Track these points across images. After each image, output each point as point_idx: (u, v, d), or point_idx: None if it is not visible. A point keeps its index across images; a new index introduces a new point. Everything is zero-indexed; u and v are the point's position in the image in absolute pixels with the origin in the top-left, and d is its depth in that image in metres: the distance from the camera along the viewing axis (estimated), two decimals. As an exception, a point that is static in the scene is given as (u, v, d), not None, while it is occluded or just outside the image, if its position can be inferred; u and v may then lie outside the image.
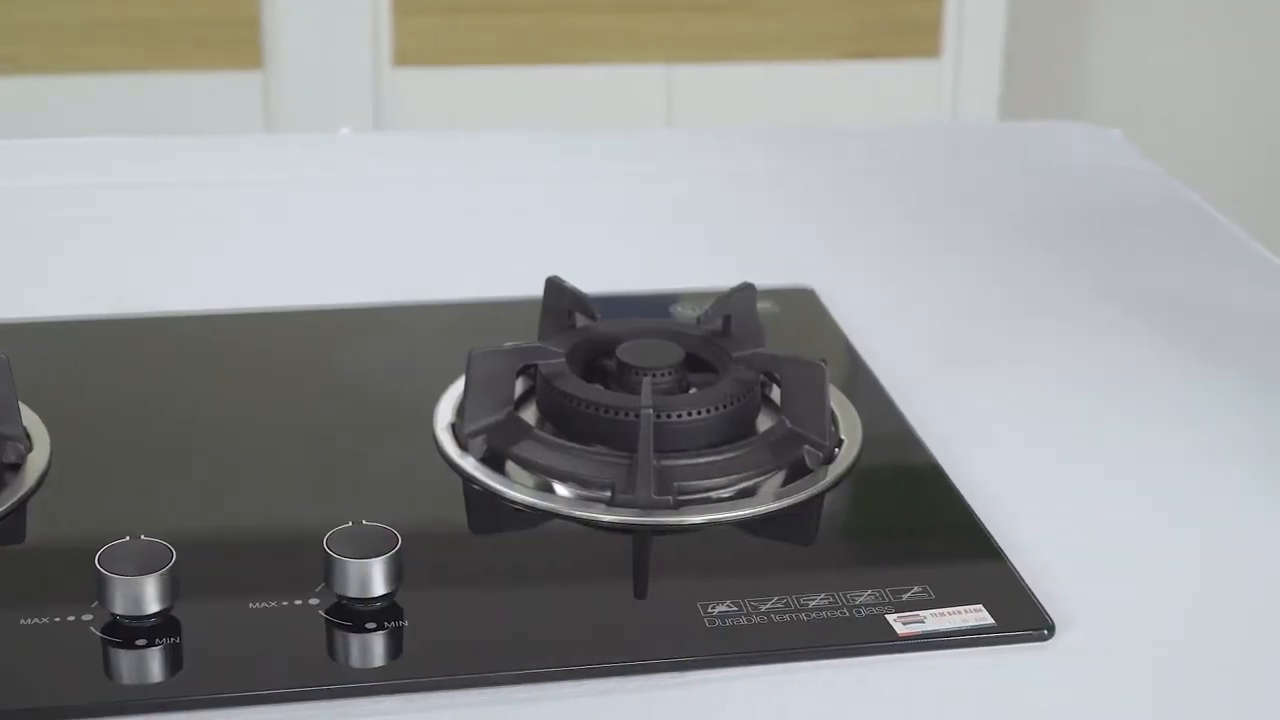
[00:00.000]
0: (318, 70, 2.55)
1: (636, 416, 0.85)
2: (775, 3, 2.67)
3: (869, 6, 2.69)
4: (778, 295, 1.09)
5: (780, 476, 0.88)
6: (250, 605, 0.76)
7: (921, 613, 0.77)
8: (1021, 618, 0.77)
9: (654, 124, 2.65)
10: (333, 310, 1.08)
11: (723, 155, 1.43)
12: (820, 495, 0.87)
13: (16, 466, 0.86)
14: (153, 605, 0.73)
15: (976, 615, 0.77)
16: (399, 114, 2.60)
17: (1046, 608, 0.77)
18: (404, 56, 2.57)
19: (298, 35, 2.53)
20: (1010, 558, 0.82)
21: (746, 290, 0.98)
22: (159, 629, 0.73)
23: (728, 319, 0.97)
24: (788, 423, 0.90)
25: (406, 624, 0.75)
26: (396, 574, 0.75)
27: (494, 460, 0.88)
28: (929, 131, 1.78)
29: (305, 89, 2.55)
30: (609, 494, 0.85)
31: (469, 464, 0.88)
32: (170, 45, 2.50)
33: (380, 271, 1.16)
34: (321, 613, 0.75)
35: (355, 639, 0.75)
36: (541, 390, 0.92)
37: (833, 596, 0.78)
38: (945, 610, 0.77)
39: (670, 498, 0.85)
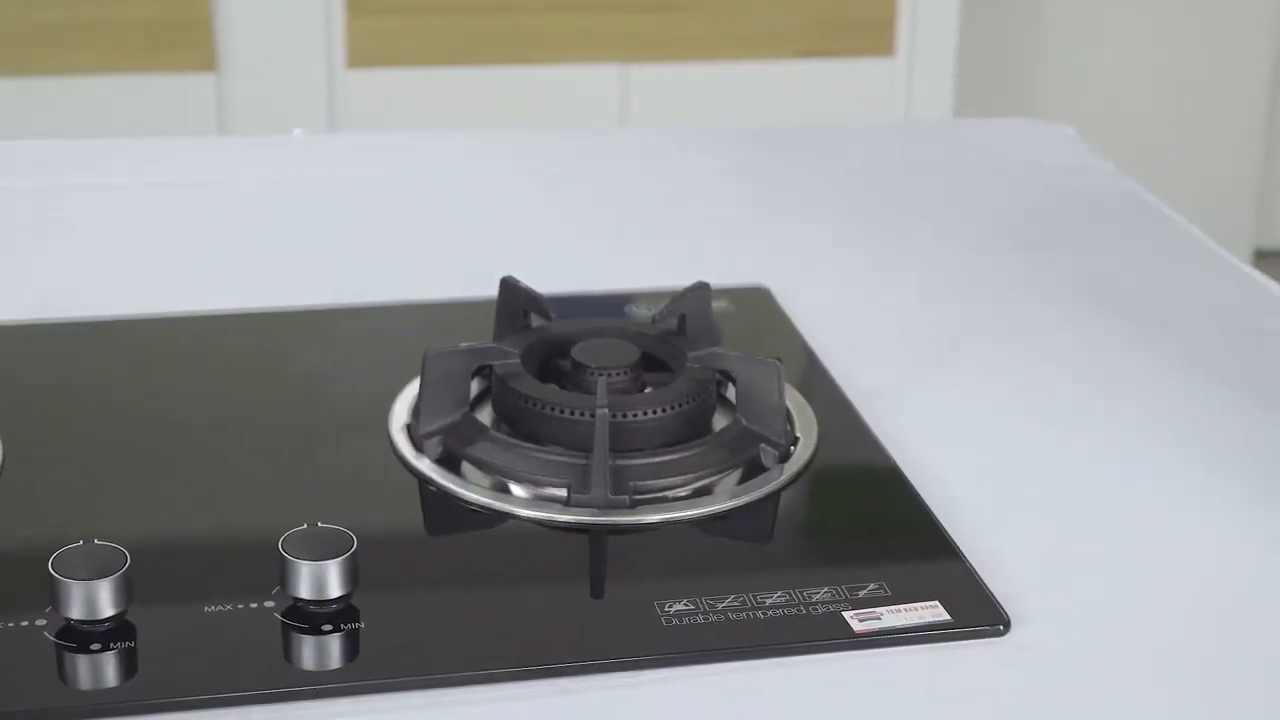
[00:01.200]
0: (272, 72, 2.55)
1: (592, 416, 0.85)
2: (729, 2, 2.67)
3: (823, 5, 2.70)
4: (733, 294, 1.09)
5: (736, 475, 0.88)
6: (205, 608, 0.75)
7: (878, 609, 0.77)
8: (977, 614, 0.77)
9: (609, 124, 2.65)
10: (287, 312, 1.08)
11: (677, 155, 1.43)
12: (776, 493, 0.87)
13: (-32, 471, 0.86)
14: (107, 609, 0.72)
15: (933, 612, 0.77)
16: (353, 116, 2.59)
17: (1002, 604, 0.78)
18: (358, 58, 2.56)
19: (251, 37, 2.53)
20: (966, 555, 0.82)
21: (701, 289, 0.98)
22: (113, 633, 0.73)
23: (683, 318, 0.97)
24: (743, 421, 0.90)
25: (363, 626, 0.75)
26: (352, 576, 0.75)
27: (449, 461, 0.88)
28: (883, 130, 1.79)
29: (259, 91, 2.55)
30: (565, 494, 0.85)
31: (424, 465, 0.88)
32: (124, 48, 2.49)
33: (334, 273, 1.15)
34: (277, 615, 0.75)
35: (311, 641, 0.74)
36: (497, 391, 0.92)
37: (789, 594, 0.78)
38: (902, 607, 0.77)
39: (626, 497, 0.85)
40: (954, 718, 0.72)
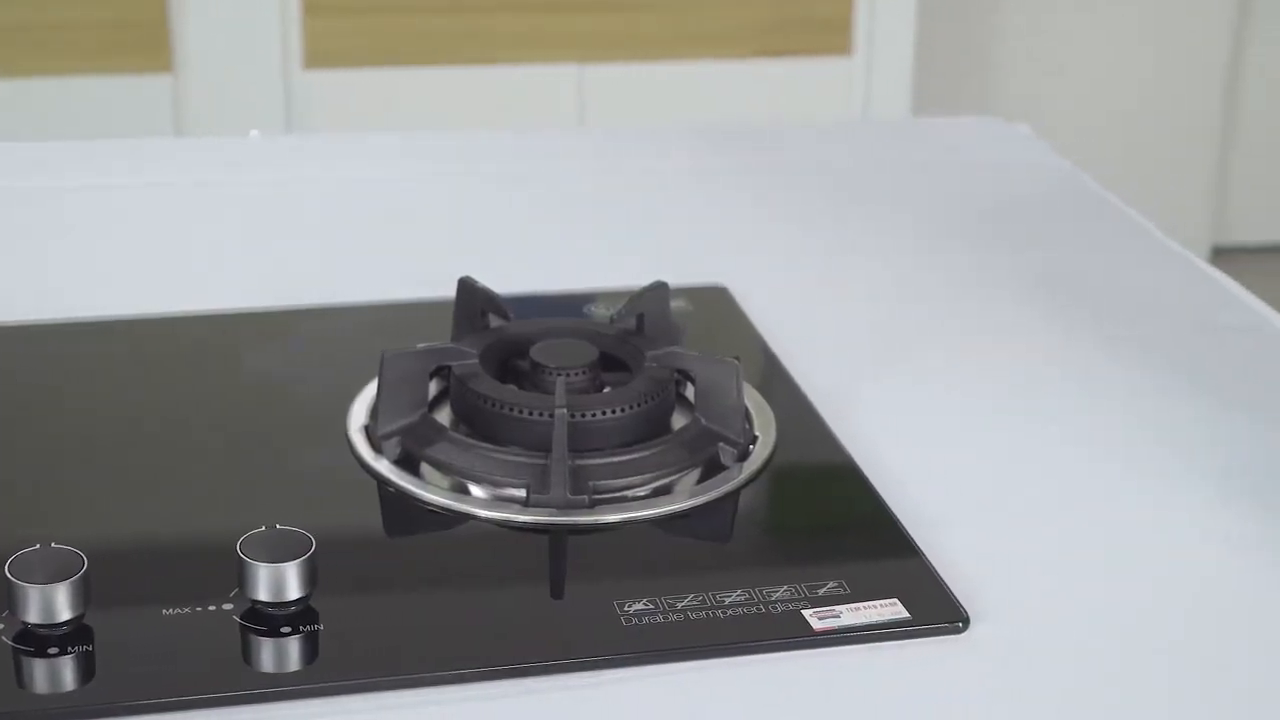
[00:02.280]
0: (228, 73, 2.53)
1: (551, 416, 0.85)
2: (687, 1, 2.67)
3: (781, 4, 2.70)
4: (691, 293, 1.09)
5: (695, 474, 0.88)
6: (164, 611, 0.75)
7: (837, 608, 0.77)
8: (936, 611, 0.77)
9: (567, 124, 2.65)
10: (245, 314, 1.08)
11: (635, 154, 1.43)
12: (735, 492, 0.88)
13: (-77, 475, 0.85)
14: (64, 613, 0.72)
15: (892, 609, 0.77)
16: (310, 116, 2.58)
17: (961, 601, 0.78)
18: (315, 59, 2.56)
19: (207, 38, 2.52)
20: (925, 552, 0.82)
21: (660, 289, 0.98)
22: (71, 637, 0.73)
23: (641, 318, 0.97)
24: (702, 420, 0.90)
25: (321, 628, 0.75)
26: (311, 577, 0.75)
27: (408, 462, 0.88)
28: (841, 128, 1.79)
29: (215, 92, 2.54)
30: (524, 494, 0.85)
31: (383, 466, 0.88)
32: (79, 49, 2.48)
33: (292, 274, 1.15)
34: (236, 618, 0.75)
35: (270, 643, 0.74)
36: (455, 391, 0.92)
37: (749, 593, 0.78)
38: (861, 605, 0.77)
39: (585, 497, 0.85)
40: (913, 715, 0.72)
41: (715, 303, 1.11)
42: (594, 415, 0.88)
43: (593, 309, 1.08)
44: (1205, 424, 0.97)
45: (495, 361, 0.93)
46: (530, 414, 0.88)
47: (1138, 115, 3.29)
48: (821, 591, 0.78)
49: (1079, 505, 0.88)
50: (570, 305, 1.09)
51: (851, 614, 0.77)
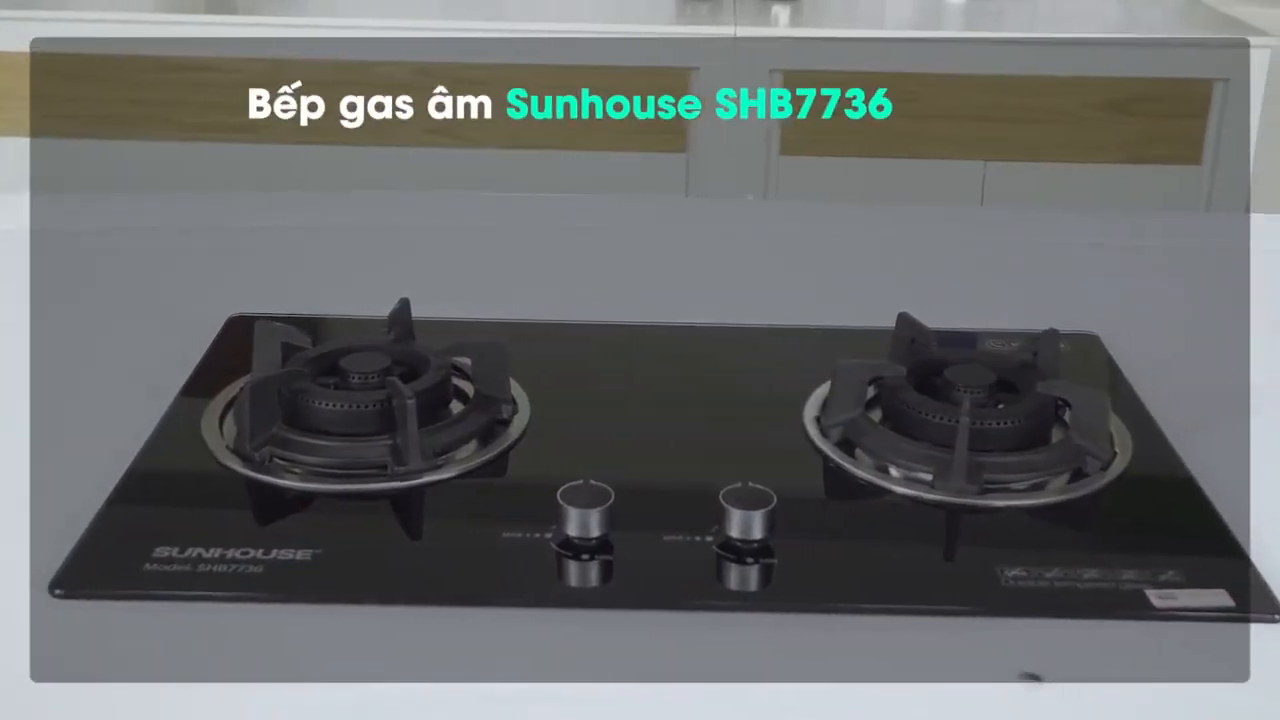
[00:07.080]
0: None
1: (956, 421, 0.84)
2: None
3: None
4: (1069, 338, 1.05)
5: (1065, 477, 0.86)
6: (664, 537, 0.77)
7: (1174, 591, 0.74)
8: (1258, 602, 0.73)
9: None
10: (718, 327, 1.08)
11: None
12: (1096, 493, 0.84)
13: (505, 422, 0.90)
14: (596, 531, 0.75)
15: (1219, 597, 0.74)
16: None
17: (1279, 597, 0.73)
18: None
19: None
20: (1251, 556, 0.77)
21: (1051, 334, 0.95)
22: (599, 548, 0.75)
23: (1035, 354, 0.94)
24: (1074, 438, 0.87)
25: (775, 561, 0.76)
26: (772, 524, 0.76)
27: (845, 445, 0.88)
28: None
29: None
30: (930, 478, 0.84)
31: (827, 447, 0.88)
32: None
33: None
34: (714, 548, 0.76)
35: (737, 569, 0.76)
36: (885, 397, 0.91)
37: (1102, 572, 0.76)
38: (1193, 591, 0.74)
39: (977, 486, 0.83)
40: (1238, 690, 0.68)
41: (1088, 348, 1.06)
42: (990, 424, 0.86)
43: (989, 344, 1.04)
44: None
45: (918, 377, 0.92)
46: (940, 419, 0.86)
47: None
48: (1162, 578, 0.75)
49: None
50: (968, 339, 1.06)
51: (1186, 597, 0.73)
